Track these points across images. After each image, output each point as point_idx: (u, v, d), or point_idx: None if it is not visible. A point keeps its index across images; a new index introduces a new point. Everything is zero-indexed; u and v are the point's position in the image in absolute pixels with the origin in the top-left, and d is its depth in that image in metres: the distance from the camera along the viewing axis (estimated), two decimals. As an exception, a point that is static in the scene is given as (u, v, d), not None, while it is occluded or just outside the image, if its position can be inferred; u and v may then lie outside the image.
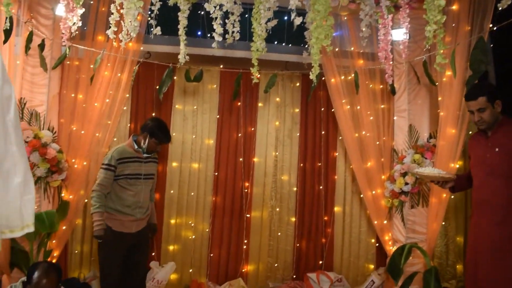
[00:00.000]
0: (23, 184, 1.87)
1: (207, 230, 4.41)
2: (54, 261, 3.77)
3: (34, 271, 2.72)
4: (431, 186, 3.93)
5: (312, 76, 3.02)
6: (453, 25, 3.62)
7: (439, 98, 3.86)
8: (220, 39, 3.19)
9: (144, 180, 3.65)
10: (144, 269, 3.76)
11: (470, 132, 3.85)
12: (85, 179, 3.93)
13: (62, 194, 3.85)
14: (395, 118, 4.18)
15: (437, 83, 3.84)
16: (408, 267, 3.92)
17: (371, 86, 4.23)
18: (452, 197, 4.20)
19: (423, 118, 4.08)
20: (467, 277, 3.10)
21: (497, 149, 2.82)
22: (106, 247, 3.53)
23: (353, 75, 4.12)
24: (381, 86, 4.28)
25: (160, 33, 3.40)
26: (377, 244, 4.50)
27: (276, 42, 4.42)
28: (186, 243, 4.39)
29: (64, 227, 3.83)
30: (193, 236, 4.38)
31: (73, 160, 3.86)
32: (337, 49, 4.16)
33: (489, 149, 2.88)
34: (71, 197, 3.86)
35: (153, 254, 4.30)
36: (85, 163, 3.88)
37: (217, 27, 3.17)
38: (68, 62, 3.96)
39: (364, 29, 3.45)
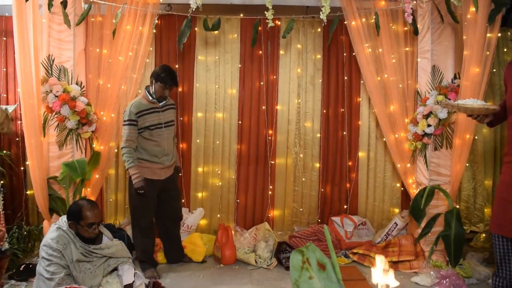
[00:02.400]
0: None
1: (233, 177, 4.56)
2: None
3: (79, 209, 2.89)
4: (455, 127, 3.87)
5: (323, 16, 3.00)
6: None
7: (464, 37, 3.73)
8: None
9: (166, 128, 3.76)
10: (177, 212, 3.99)
11: (494, 70, 3.71)
12: (114, 131, 4.14)
13: (94, 145, 4.07)
14: (418, 59, 4.08)
15: (465, 23, 3.69)
16: (431, 209, 3.94)
17: (393, 28, 4.13)
18: (476, 137, 4.13)
19: (447, 58, 3.96)
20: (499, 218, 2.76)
21: None
22: (138, 194, 3.65)
23: (374, 17, 4.02)
24: (405, 28, 4.17)
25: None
26: (402, 189, 4.51)
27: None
28: (213, 190, 4.56)
29: (97, 176, 4.08)
30: (220, 183, 4.54)
31: (102, 113, 4.06)
32: (357, -9, 4.06)
33: None
34: (102, 147, 4.08)
35: (183, 201, 4.51)
36: (113, 115, 4.07)
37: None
38: (92, 19, 4.09)
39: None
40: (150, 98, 3.71)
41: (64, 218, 3.01)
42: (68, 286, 2.74)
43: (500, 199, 2.73)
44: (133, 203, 3.78)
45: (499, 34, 3.64)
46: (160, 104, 3.74)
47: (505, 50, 4.53)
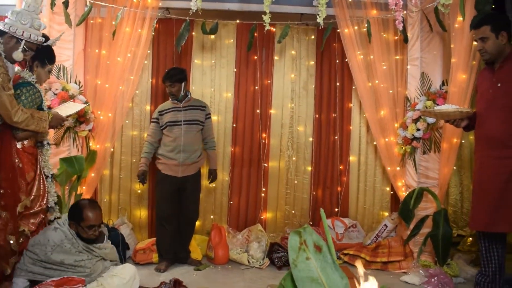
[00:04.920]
0: None
1: (227, 179, 4.63)
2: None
3: (80, 210, 2.90)
4: (443, 132, 4.01)
5: (319, 20, 3.12)
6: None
7: (452, 46, 3.89)
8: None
9: (185, 125, 3.98)
10: (189, 213, 4.12)
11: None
12: (111, 130, 4.20)
13: (90, 144, 4.12)
14: (408, 67, 4.24)
15: (453, 33, 3.84)
16: (420, 211, 4.05)
17: (384, 36, 4.28)
18: (463, 141, 4.27)
19: (436, 66, 4.13)
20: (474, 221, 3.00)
21: (499, 84, 2.80)
22: (157, 187, 4.12)
23: (366, 25, 4.18)
24: (396, 38, 4.31)
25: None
26: (391, 192, 4.61)
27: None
28: (207, 191, 4.61)
29: (92, 174, 4.12)
30: (214, 185, 4.60)
31: (99, 112, 4.12)
32: (350, 0, 4.21)
33: (492, 84, 2.84)
34: (98, 146, 4.14)
35: (177, 202, 4.57)
36: (110, 114, 4.14)
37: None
38: (92, 21, 4.18)
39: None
40: (172, 99, 4.06)
41: (63, 217, 3.03)
42: (67, 277, 2.78)
43: (473, 194, 3.01)
44: (156, 195, 4.20)
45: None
46: (182, 104, 4.03)
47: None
